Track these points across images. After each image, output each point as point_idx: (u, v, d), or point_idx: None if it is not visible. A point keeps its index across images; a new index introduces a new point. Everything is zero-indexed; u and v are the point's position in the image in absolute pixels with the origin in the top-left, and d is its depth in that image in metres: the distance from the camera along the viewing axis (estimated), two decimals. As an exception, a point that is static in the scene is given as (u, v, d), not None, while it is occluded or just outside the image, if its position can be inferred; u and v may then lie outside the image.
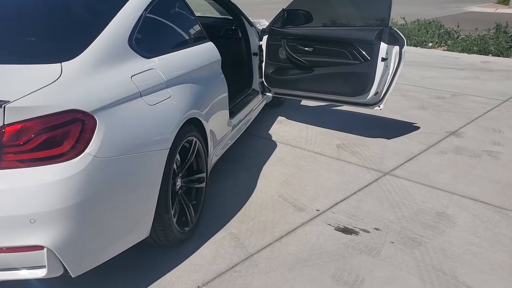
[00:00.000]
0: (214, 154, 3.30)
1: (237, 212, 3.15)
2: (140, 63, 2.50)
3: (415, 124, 4.79)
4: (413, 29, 9.79)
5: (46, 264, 1.96)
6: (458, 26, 9.54)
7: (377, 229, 2.96)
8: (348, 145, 4.27)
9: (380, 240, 2.85)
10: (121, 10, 2.58)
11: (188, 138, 2.75)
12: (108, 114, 2.13)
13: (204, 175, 3.01)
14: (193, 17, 3.25)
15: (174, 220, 2.61)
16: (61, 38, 2.44)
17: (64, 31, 2.51)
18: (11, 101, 1.89)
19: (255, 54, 4.46)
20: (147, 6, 2.75)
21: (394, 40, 3.78)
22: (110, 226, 2.16)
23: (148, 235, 2.46)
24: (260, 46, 4.42)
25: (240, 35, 4.43)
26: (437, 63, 7.74)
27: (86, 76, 2.19)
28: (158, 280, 2.48)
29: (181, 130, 2.61)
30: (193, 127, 2.82)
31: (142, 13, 2.69)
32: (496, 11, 16.39)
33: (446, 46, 9.04)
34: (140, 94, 2.35)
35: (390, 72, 3.88)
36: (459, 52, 8.61)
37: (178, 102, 2.61)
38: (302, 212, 3.15)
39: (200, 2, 4.39)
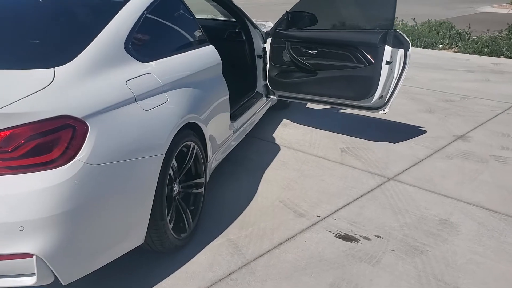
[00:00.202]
0: (214, 159, 3.26)
1: (237, 217, 3.10)
2: (136, 68, 2.47)
3: (421, 128, 4.71)
4: (424, 30, 9.68)
5: (35, 272, 1.94)
6: (469, 27, 9.40)
7: (378, 236, 2.90)
8: (352, 149, 4.21)
9: (381, 248, 2.79)
10: (117, 14, 2.55)
11: (186, 143, 2.72)
12: (100, 119, 2.10)
13: (202, 180, 2.97)
14: (194, 20, 3.22)
15: (170, 226, 2.58)
16: (55, 43, 2.42)
17: (59, 36, 2.49)
18: (0, 107, 1.86)
19: (259, 56, 4.41)
20: (145, 10, 2.72)
21: (399, 43, 3.71)
22: (102, 233, 2.13)
23: (143, 241, 2.42)
24: (264, 49, 4.38)
25: (243, 37, 4.39)
26: (447, 65, 7.63)
27: (80, 81, 2.16)
28: (153, 287, 2.44)
29: (178, 135, 2.57)
30: (191, 131, 2.78)
31: (139, 17, 2.66)
32: (510, 12, 16.16)
33: (456, 47, 8.92)
34: (135, 99, 2.32)
35: (395, 76, 3.81)
36: (470, 54, 8.49)
37: (175, 107, 2.58)
38: (303, 218, 3.10)
39: (205, 4, 4.35)
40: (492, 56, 8.29)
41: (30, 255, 1.90)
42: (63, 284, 2.04)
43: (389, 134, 4.55)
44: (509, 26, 8.96)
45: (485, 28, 9.68)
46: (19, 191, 1.87)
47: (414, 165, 3.89)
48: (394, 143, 4.33)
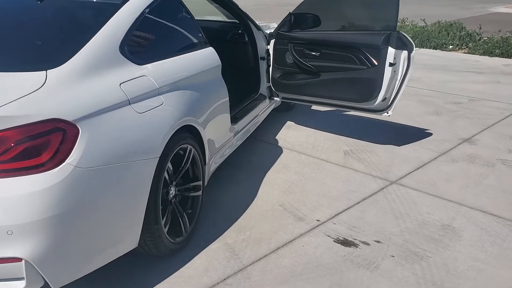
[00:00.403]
0: (213, 162, 3.23)
1: (235, 221, 3.07)
2: (131, 70, 2.45)
3: (427, 131, 4.64)
4: (433, 31, 9.57)
5: (24, 276, 1.92)
6: (480, 28, 9.28)
7: (378, 241, 2.85)
8: (356, 152, 4.16)
9: (380, 253, 2.74)
10: (113, 17, 2.54)
11: (182, 146, 2.69)
12: (92, 122, 2.08)
13: (200, 183, 2.95)
14: (193, 22, 3.20)
15: (165, 230, 2.56)
16: (49, 46, 2.41)
17: (53, 38, 2.48)
18: (-11, 110, 1.86)
19: (263, 58, 4.38)
20: (142, 12, 2.71)
21: (402, 44, 3.65)
22: (93, 237, 2.11)
23: (137, 245, 2.40)
24: (268, 50, 4.35)
25: (246, 39, 4.36)
26: (456, 66, 7.53)
27: (72, 83, 2.15)
28: (147, 291, 2.43)
29: (174, 138, 2.55)
30: (188, 134, 2.76)
31: (136, 19, 2.64)
32: (523, 12, 15.93)
33: (467, 48, 8.80)
34: (129, 102, 2.30)
35: (399, 78, 3.76)
36: (480, 55, 8.36)
37: (170, 109, 2.55)
38: (302, 222, 3.06)
39: (210, 6, 4.32)
40: (503, 57, 8.16)
41: (19, 259, 1.89)
42: (54, 289, 2.02)
43: (394, 136, 4.49)
44: (521, 27, 8.82)
45: (497, 28, 9.53)
46: (7, 195, 1.85)
47: (418, 169, 3.83)
48: (399, 146, 4.27)
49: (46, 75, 2.10)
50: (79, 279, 2.14)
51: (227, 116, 3.40)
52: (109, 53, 2.39)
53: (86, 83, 2.19)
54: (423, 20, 9.84)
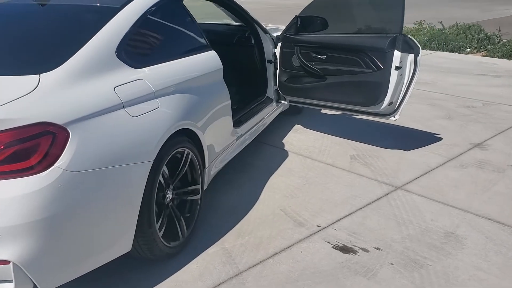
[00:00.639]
0: (214, 166, 3.22)
1: (235, 225, 3.05)
2: (127, 74, 2.45)
3: (437, 135, 4.55)
4: (451, 33, 9.41)
5: (13, 278, 1.93)
6: (499, 30, 9.09)
7: (377, 248, 2.79)
8: (362, 156, 4.10)
9: (379, 260, 2.68)
10: (111, 20, 2.55)
11: (179, 149, 2.68)
12: (84, 126, 2.09)
13: (199, 187, 2.93)
14: (194, 26, 3.19)
15: (160, 234, 2.55)
16: (44, 49, 2.44)
17: (49, 42, 2.50)
18: (-21, 113, 1.87)
19: (270, 61, 4.36)
20: (141, 16, 2.71)
21: (408, 48, 3.59)
22: (84, 240, 2.12)
23: (131, 249, 2.40)
24: (275, 54, 4.33)
25: (253, 42, 4.34)
26: (473, 69, 7.38)
27: (65, 87, 2.16)
28: (140, 295, 2.43)
29: (170, 142, 2.54)
30: (185, 138, 2.75)
31: (134, 23, 2.65)
32: (547, 14, 15.55)
33: (485, 51, 8.63)
34: (123, 105, 2.30)
35: (405, 81, 3.69)
36: (499, 58, 8.18)
37: (166, 113, 2.55)
38: (302, 228, 3.02)
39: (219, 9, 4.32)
40: (522, 60, 7.99)
41: (7, 262, 1.90)
42: (43, 291, 2.03)
43: (403, 141, 4.41)
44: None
45: (517, 31, 9.34)
46: (-4, 197, 1.87)
47: (424, 174, 3.75)
48: (407, 150, 4.20)
49: (39, 78, 2.12)
50: (71, 281, 2.15)
51: (229, 120, 3.38)
52: (105, 57, 2.40)
53: (79, 87, 2.20)
54: (441, 22, 9.68)
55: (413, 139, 4.48)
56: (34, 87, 2.07)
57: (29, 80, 2.10)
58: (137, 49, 2.67)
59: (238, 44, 4.44)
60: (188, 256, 2.74)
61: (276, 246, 2.83)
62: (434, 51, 8.84)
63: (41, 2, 2.87)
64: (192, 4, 3.84)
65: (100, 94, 2.25)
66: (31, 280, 1.96)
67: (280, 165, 3.95)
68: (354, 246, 2.82)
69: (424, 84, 6.44)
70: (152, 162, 2.38)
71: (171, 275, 2.57)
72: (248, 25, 4.27)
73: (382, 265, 2.64)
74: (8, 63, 2.33)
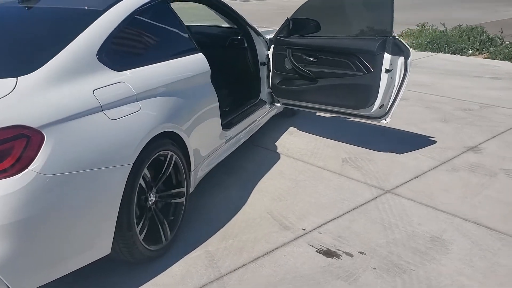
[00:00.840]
0: (201, 169, 3.21)
1: (220, 228, 3.04)
2: (107, 76, 2.45)
3: (431, 138, 4.52)
4: (454, 35, 9.34)
5: (-14, 281, 1.94)
6: (502, 32, 9.01)
7: (361, 252, 2.77)
8: (354, 159, 4.07)
9: (362, 265, 2.66)
10: (93, 24, 2.56)
11: (162, 152, 2.68)
12: (59, 129, 2.09)
13: (183, 190, 2.93)
14: (181, 29, 3.19)
15: (141, 237, 2.54)
16: (24, 52, 2.44)
17: (29, 45, 2.51)
18: (-48, 116, 1.88)
19: (263, 64, 4.35)
20: (125, 19, 2.72)
21: (398, 50, 3.56)
22: (59, 243, 2.12)
23: (110, 252, 2.40)
24: (268, 56, 4.32)
25: (246, 44, 4.33)
26: (473, 71, 7.32)
27: (43, 90, 2.16)
28: (119, 299, 2.42)
29: (151, 145, 2.54)
30: (168, 141, 2.75)
31: (117, 26, 2.65)
32: (553, 16, 15.40)
33: (487, 53, 8.56)
34: (102, 108, 2.31)
35: (396, 84, 3.67)
36: (500, 60, 8.11)
37: (148, 116, 2.55)
38: (287, 231, 3.01)
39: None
40: (525, 62, 7.92)
41: (-21, 265, 1.91)
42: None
43: (397, 144, 4.38)
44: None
45: (521, 32, 9.25)
46: (-32, 201, 1.88)
47: (415, 178, 3.72)
48: (400, 153, 4.17)
49: (16, 81, 2.12)
50: (49, 284, 2.15)
51: (217, 123, 3.37)
52: (85, 60, 2.40)
53: (57, 90, 2.21)
54: (443, 24, 9.62)
55: (407, 142, 4.45)
56: (11, 90, 2.07)
57: (6, 83, 2.10)
58: (120, 52, 2.67)
59: (231, 46, 4.44)
60: (171, 259, 2.73)
61: (259, 250, 2.82)
62: (436, 53, 8.78)
63: (26, 5, 2.88)
64: (191, 6, 3.85)
65: (78, 97, 2.25)
66: (5, 283, 1.97)
67: (271, 168, 3.94)
68: (338, 250, 2.80)
69: (422, 86, 6.41)
70: (132, 165, 2.38)
71: (152, 278, 2.57)
72: (240, 28, 4.27)
73: (365, 270, 2.62)
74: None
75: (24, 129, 1.98)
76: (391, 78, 3.63)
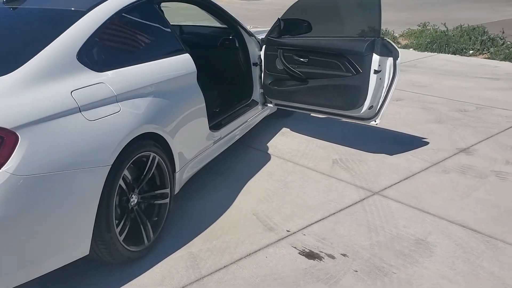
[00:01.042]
0: (186, 170, 3.20)
1: (204, 230, 3.04)
2: (87, 77, 2.46)
3: (424, 139, 4.49)
4: (455, 35, 9.27)
5: (-41, 281, 1.95)
6: (503, 32, 8.94)
7: (344, 255, 2.76)
8: (345, 161, 4.06)
9: (344, 267, 2.65)
10: (74, 24, 2.56)
11: (144, 153, 2.68)
12: (35, 130, 2.10)
13: (167, 191, 2.93)
14: (167, 29, 3.18)
15: (121, 238, 2.54)
16: (3, 53, 2.45)
17: (9, 45, 2.52)
18: None
19: (255, 64, 4.34)
20: (108, 19, 2.72)
21: (387, 51, 3.54)
22: (34, 244, 2.12)
23: (88, 253, 2.40)
24: (260, 56, 4.31)
25: (237, 45, 4.32)
26: (473, 72, 7.27)
27: (20, 91, 2.17)
28: (97, 299, 2.43)
29: (132, 146, 2.54)
30: (151, 142, 2.75)
31: (100, 27, 2.65)
32: (558, 15, 15.26)
33: (488, 54, 8.49)
34: (79, 109, 2.31)
35: (385, 85, 3.64)
36: (501, 60, 8.05)
37: (128, 117, 2.54)
38: (271, 233, 3.00)
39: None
40: (525, 62, 7.85)
41: (-48, 265, 1.92)
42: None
43: (389, 145, 4.36)
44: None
45: (524, 32, 9.17)
46: None
47: (405, 179, 3.70)
48: (391, 154, 4.14)
49: (-7, 82, 2.13)
50: (28, 283, 2.16)
51: (203, 124, 3.36)
52: (64, 61, 2.41)
53: (35, 91, 2.21)
54: (444, 24, 9.55)
55: (399, 143, 4.43)
56: (-14, 91, 2.08)
57: (-18, 84, 2.11)
58: (102, 53, 2.67)
59: (223, 46, 4.43)
60: (153, 259, 2.73)
61: (242, 251, 2.81)
62: (436, 53, 8.73)
63: (10, 6, 2.89)
64: (189, 6, 3.84)
65: (56, 98, 2.25)
66: (-21, 283, 1.98)
67: (260, 169, 3.93)
68: (321, 252, 2.79)
69: (419, 87, 6.37)
70: (110, 166, 2.38)
71: (132, 279, 2.57)
72: (232, 28, 4.26)
73: (346, 272, 2.60)
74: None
75: (-2, 130, 1.99)
76: (380, 79, 3.60)
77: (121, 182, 2.51)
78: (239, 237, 2.95)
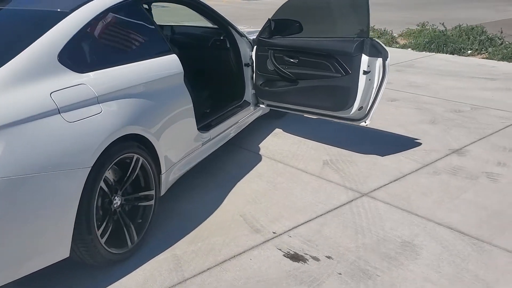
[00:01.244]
0: (173, 171, 3.18)
1: (190, 232, 3.02)
2: (68, 79, 2.44)
3: (417, 140, 4.46)
4: (453, 35, 9.23)
5: None
6: (501, 32, 8.90)
7: (329, 257, 2.74)
8: (335, 162, 4.03)
9: (328, 270, 2.63)
10: (56, 25, 2.55)
11: (127, 155, 2.67)
12: (11, 132, 2.08)
13: (152, 192, 2.91)
14: (153, 30, 3.16)
15: (103, 240, 2.53)
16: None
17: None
18: None
19: (247, 65, 4.32)
20: (90, 21, 2.71)
21: (376, 52, 3.52)
22: (12, 246, 2.11)
23: (69, 255, 2.38)
24: (251, 57, 4.29)
25: (228, 45, 4.30)
26: (470, 72, 7.23)
27: (-2, 92, 2.16)
28: (78, 302, 2.41)
29: (114, 147, 2.52)
30: (134, 143, 2.73)
31: (82, 28, 2.64)
32: (560, 15, 15.18)
33: (486, 53, 8.45)
34: (59, 111, 2.29)
35: (375, 86, 3.62)
36: (499, 60, 8.01)
37: (109, 118, 2.52)
38: (257, 234, 2.98)
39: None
40: (523, 63, 7.80)
41: None
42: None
43: (381, 146, 4.33)
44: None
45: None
46: None
47: (395, 181, 3.68)
48: (382, 156, 4.12)
49: (-29, 84, 2.12)
50: (6, 285, 2.15)
51: (191, 125, 3.34)
52: (44, 62, 2.39)
53: (13, 92, 2.20)
54: (442, 24, 9.51)
55: (391, 144, 4.40)
56: (-36, 93, 2.07)
57: (-41, 86, 2.10)
58: (84, 54, 2.66)
59: (214, 47, 4.41)
60: (136, 262, 2.72)
61: (226, 253, 2.80)
62: (434, 53, 8.69)
63: (-6, 7, 2.89)
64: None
65: (34, 100, 2.24)
66: (-47, 286, 1.97)
67: (250, 170, 3.91)
68: (306, 254, 2.77)
69: (415, 87, 6.34)
70: (90, 168, 2.36)
71: (115, 281, 2.55)
72: (223, 28, 4.24)
73: (330, 275, 2.58)
74: None
75: (-28, 132, 1.98)
76: (370, 80, 3.58)
77: (102, 184, 2.49)
78: (225, 239, 2.94)
